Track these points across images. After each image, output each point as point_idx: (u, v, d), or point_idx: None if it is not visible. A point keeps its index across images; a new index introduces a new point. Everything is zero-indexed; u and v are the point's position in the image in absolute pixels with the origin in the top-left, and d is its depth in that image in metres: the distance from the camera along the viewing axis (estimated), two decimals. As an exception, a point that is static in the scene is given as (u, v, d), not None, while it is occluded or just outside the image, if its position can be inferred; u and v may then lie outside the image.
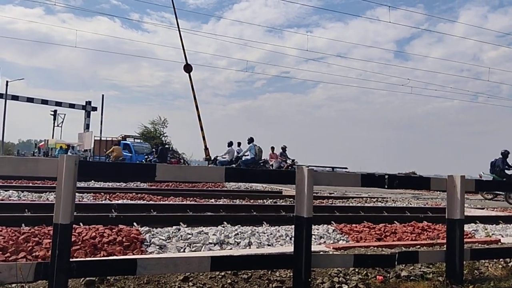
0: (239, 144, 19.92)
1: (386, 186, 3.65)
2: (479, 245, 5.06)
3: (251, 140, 18.79)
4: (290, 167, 19.34)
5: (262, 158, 19.48)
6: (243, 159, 18.71)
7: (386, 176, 3.67)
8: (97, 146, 32.55)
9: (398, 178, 4.06)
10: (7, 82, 36.77)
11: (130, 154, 27.90)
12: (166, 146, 28.03)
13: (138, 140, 31.99)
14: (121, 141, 29.93)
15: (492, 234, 6.44)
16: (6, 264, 2.60)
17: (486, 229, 6.64)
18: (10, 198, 8.35)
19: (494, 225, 7.42)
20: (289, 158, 20.31)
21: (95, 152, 32.44)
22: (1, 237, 4.02)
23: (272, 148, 20.67)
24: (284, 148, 20.49)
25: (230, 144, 19.22)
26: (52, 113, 42.02)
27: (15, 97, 37.81)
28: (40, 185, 11.16)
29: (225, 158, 19.22)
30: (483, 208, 10.62)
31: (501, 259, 4.33)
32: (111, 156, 24.27)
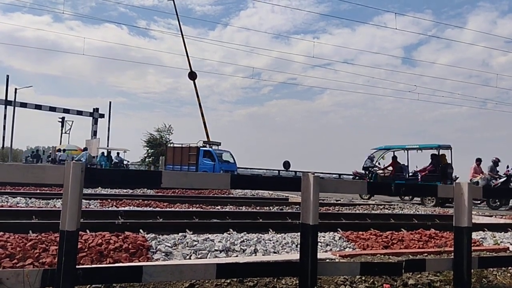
0: (61, 150, 29.72)
1: (392, 193, 3.64)
2: (487, 253, 5.00)
3: (85, 149, 26.29)
4: None
5: (91, 162, 25.44)
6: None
7: (392, 184, 3.66)
8: (170, 154, 27.91)
9: (404, 186, 4.05)
10: (15, 89, 37.16)
11: (212, 163, 24.39)
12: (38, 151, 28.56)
13: (216, 146, 27.28)
14: (201, 148, 25.94)
15: (501, 242, 6.37)
16: (13, 270, 2.62)
17: (494, 237, 6.57)
18: (18, 205, 8.41)
19: (503, 232, 7.35)
20: (502, 176, 14.71)
21: (168, 160, 27.64)
22: (8, 243, 4.05)
23: (478, 161, 15.26)
24: (496, 162, 14.92)
25: (84, 149, 26.86)
26: (60, 120, 42.41)
27: (23, 104, 38.26)
28: (48, 192, 11.23)
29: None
30: (491, 216, 10.53)
31: (509, 267, 4.28)
32: None
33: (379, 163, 17.22)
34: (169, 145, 29.28)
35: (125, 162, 29.04)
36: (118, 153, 29.80)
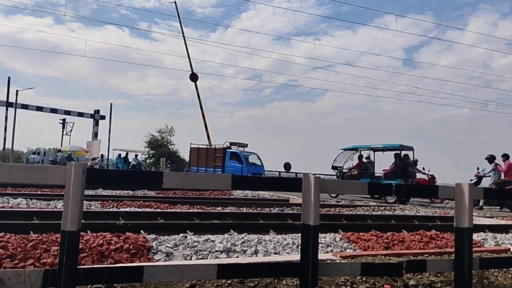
0: (38, 153, 30.44)
1: (393, 194, 3.64)
2: (488, 254, 5.01)
3: (59, 151, 28.46)
4: None
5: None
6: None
7: (393, 184, 3.66)
8: (194, 155, 26.33)
9: (405, 187, 4.05)
10: (17, 91, 37.16)
11: (240, 165, 23.37)
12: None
13: (242, 148, 25.57)
14: (227, 150, 24.54)
15: (502, 243, 6.37)
16: (14, 270, 2.62)
17: (495, 238, 6.57)
18: (19, 206, 8.42)
19: (504, 234, 7.34)
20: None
21: (192, 162, 26.30)
22: (10, 244, 4.05)
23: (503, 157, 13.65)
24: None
25: (58, 151, 29.00)
26: (61, 121, 42.38)
27: (24, 106, 38.23)
28: (49, 192, 11.24)
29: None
30: (492, 217, 10.52)
31: (511, 269, 4.28)
32: None
33: (351, 159, 17.88)
34: (192, 145, 27.28)
35: (143, 165, 29.01)
36: (136, 155, 28.99)
